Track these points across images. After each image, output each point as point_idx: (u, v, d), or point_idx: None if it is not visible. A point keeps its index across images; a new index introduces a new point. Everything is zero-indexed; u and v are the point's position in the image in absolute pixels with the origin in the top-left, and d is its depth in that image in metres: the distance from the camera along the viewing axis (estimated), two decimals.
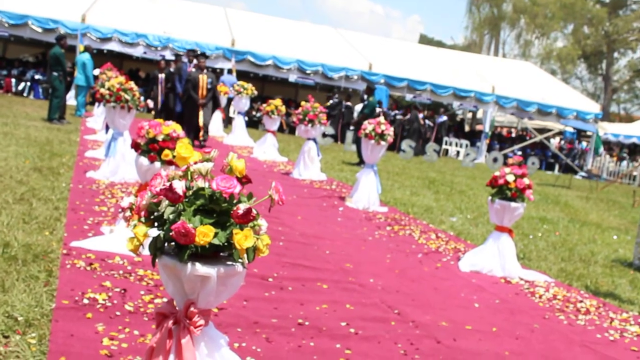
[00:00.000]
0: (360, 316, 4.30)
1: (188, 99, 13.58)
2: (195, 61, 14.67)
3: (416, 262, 6.23)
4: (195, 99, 13.49)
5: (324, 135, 19.96)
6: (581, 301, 5.60)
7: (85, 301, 3.74)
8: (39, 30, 20.22)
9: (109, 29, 20.80)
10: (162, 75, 15.50)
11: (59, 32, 18.50)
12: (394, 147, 21.63)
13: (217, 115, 16.83)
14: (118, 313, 3.65)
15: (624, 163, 27.99)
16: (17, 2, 20.44)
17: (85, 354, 3.11)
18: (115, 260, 4.64)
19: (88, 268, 4.36)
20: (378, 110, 15.73)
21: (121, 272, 4.39)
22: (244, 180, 2.41)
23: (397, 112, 24.13)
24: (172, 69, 14.90)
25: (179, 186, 2.24)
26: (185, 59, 15.24)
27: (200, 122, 13.78)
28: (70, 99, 18.43)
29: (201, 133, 13.91)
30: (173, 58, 16.76)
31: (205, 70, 13.72)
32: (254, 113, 22.52)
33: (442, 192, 12.10)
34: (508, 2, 46.96)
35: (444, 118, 25.03)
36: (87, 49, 17.49)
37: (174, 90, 14.18)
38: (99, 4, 22.38)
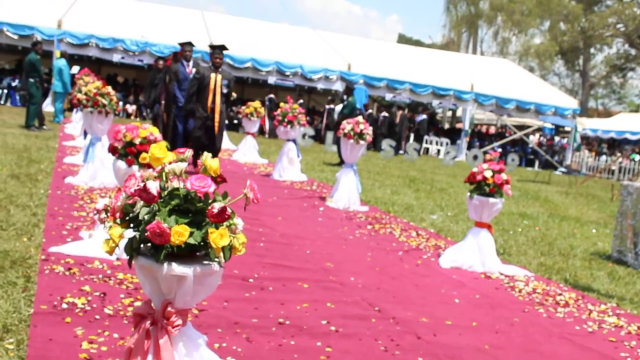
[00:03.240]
0: (341, 314, 4.31)
1: (192, 113, 10.06)
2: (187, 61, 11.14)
3: (397, 259, 6.26)
4: (203, 116, 9.83)
5: (304, 136, 20.00)
6: (560, 294, 5.65)
7: (64, 306, 3.72)
8: (15, 37, 20.06)
9: (85, 34, 20.67)
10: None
11: (35, 39, 18.39)
12: (375, 146, 21.81)
13: None
14: (97, 317, 3.63)
15: (603, 158, 28.27)
16: None
17: (64, 358, 3.10)
18: (95, 264, 4.62)
19: (67, 273, 4.33)
20: (358, 111, 15.79)
21: (100, 276, 4.38)
22: (218, 179, 2.42)
23: (383, 114, 24.23)
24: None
25: (153, 186, 2.24)
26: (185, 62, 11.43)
27: (220, 144, 10.46)
28: (48, 106, 18.31)
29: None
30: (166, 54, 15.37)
31: (220, 69, 9.93)
32: (232, 115, 22.46)
33: (422, 190, 12.16)
34: (485, 0, 47.29)
35: (424, 117, 25.16)
36: (63, 54, 17.38)
37: (174, 101, 10.75)
38: (74, 9, 22.24)
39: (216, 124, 9.90)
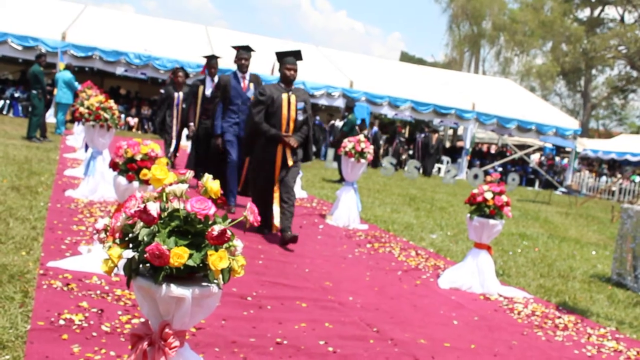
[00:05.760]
0: (339, 334, 4.30)
1: (251, 146, 7.28)
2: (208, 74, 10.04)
3: (395, 279, 6.24)
4: (270, 153, 7.09)
5: None
6: (559, 317, 5.63)
7: (62, 322, 3.71)
8: (19, 48, 20.15)
9: (89, 46, 20.76)
10: (179, 94, 11.89)
11: (39, 50, 18.48)
12: (375, 164, 21.95)
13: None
14: (94, 334, 3.62)
15: (603, 178, 28.27)
16: None
17: None
18: (93, 280, 4.61)
19: (65, 288, 4.32)
20: (369, 128, 15.86)
21: (98, 292, 4.36)
22: (219, 201, 2.42)
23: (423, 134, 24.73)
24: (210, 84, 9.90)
25: (154, 208, 2.24)
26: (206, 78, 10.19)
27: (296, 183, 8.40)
28: (50, 117, 18.36)
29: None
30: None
31: (292, 87, 7.17)
32: None
33: (422, 209, 12.15)
34: (487, 20, 47.59)
35: (423, 135, 25.37)
36: (67, 66, 17.45)
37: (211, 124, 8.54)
38: (79, 22, 22.37)
39: (290, 163, 7.13)
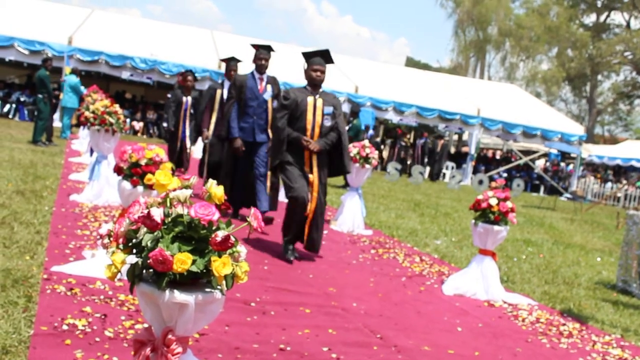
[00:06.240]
0: (343, 341, 4.28)
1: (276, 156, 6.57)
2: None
3: (400, 285, 6.23)
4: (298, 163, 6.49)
5: None
6: (564, 324, 5.61)
7: (65, 327, 3.70)
8: (26, 52, 20.22)
9: (95, 51, 20.82)
10: (187, 99, 11.31)
11: (46, 54, 18.55)
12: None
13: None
14: (98, 339, 3.62)
15: (609, 184, 28.21)
16: (3, 24, 20.45)
17: None
18: (97, 285, 4.61)
19: (68, 293, 4.32)
20: (365, 131, 15.87)
21: (102, 297, 4.36)
22: (222, 207, 2.42)
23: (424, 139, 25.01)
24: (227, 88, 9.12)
25: (157, 214, 2.24)
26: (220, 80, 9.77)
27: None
28: (56, 121, 18.42)
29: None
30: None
31: (320, 91, 6.60)
32: None
33: (427, 214, 12.13)
34: (493, 25, 47.58)
35: (424, 139, 25.54)
36: (74, 70, 17.51)
37: (227, 130, 7.89)
38: (85, 26, 22.44)
39: (315, 180, 6.53)
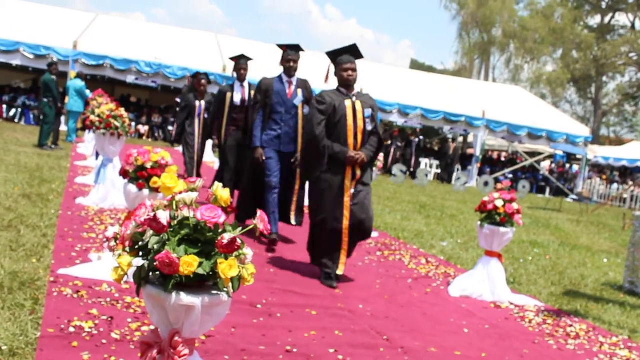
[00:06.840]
0: (349, 343, 4.28)
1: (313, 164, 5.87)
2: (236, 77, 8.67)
3: (406, 287, 6.22)
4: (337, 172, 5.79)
5: None
6: (571, 325, 5.59)
7: (72, 329, 3.71)
8: (31, 56, 20.28)
9: (100, 55, 20.88)
10: (201, 103, 10.64)
11: (51, 59, 18.60)
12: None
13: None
14: (104, 341, 3.62)
15: (614, 186, 28.12)
16: (8, 29, 20.52)
17: None
18: (103, 287, 4.62)
19: (75, 296, 4.33)
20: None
21: (108, 299, 4.37)
22: (229, 209, 2.42)
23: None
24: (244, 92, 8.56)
25: (163, 216, 2.24)
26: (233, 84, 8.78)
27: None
28: (62, 125, 18.46)
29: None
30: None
31: (356, 93, 5.99)
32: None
33: (432, 216, 12.12)
34: (498, 27, 47.48)
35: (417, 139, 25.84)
36: (79, 75, 17.56)
37: (249, 138, 7.14)
38: (90, 31, 22.49)
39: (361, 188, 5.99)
